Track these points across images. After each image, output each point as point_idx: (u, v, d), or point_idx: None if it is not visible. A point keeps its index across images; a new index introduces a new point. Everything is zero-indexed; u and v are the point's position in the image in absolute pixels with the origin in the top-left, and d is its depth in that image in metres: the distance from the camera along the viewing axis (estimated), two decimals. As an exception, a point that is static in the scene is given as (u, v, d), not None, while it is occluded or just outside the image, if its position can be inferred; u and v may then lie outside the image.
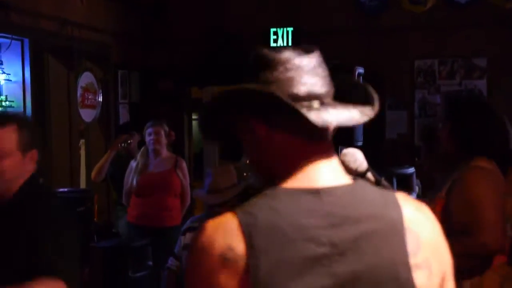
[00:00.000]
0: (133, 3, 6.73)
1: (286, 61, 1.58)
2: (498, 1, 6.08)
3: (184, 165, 6.05)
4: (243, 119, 1.63)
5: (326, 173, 1.60)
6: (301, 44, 1.64)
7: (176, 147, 6.57)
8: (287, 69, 1.58)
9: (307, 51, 1.58)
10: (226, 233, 1.48)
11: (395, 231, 1.59)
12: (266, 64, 1.58)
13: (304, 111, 1.50)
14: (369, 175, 2.68)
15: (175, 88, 7.24)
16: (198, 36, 7.01)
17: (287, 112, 1.53)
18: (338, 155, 2.55)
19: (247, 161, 1.86)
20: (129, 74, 7.01)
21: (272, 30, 6.74)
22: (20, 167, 2.89)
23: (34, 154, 2.90)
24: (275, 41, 6.87)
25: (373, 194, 1.63)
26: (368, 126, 5.37)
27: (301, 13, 6.64)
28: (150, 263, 5.81)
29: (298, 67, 1.59)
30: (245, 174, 4.73)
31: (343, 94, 1.61)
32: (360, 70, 5.58)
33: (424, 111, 6.40)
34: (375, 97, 1.60)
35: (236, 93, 1.60)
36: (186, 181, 5.98)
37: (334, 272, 1.51)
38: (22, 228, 2.90)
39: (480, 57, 6.27)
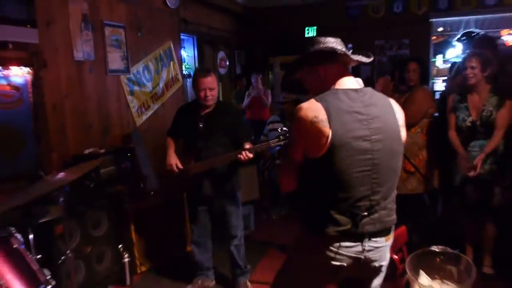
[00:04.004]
0: (240, 16, 6.70)
1: (328, 40, 1.69)
2: (414, 10, 6.05)
3: (268, 91, 6.03)
4: (311, 67, 1.73)
5: (355, 83, 1.70)
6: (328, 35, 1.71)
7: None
8: (328, 43, 1.69)
9: (335, 37, 1.70)
10: (313, 109, 1.58)
11: (391, 110, 1.71)
12: (322, 42, 1.70)
13: (351, 54, 1.66)
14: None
15: (261, 57, 7.18)
16: (270, 30, 6.91)
17: (334, 56, 1.67)
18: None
19: (309, 91, 1.83)
20: (240, 51, 7.06)
21: (306, 27, 6.67)
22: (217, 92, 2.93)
23: None
24: (308, 33, 6.71)
25: (378, 94, 1.72)
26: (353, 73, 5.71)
27: (320, 18, 6.51)
28: (252, 137, 5.97)
29: (333, 42, 1.69)
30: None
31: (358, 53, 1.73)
32: (350, 45, 5.81)
33: (379, 65, 6.31)
34: (369, 56, 1.74)
35: (315, 53, 1.69)
36: (269, 99, 5.95)
37: (369, 127, 1.60)
38: (225, 120, 2.92)
39: (406, 38, 6.21)
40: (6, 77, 2.90)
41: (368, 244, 1.62)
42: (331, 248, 1.60)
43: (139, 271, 3.58)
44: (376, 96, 1.70)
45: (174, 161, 3.01)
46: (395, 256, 1.94)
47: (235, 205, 3.08)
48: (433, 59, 6.87)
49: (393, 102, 1.75)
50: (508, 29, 6.14)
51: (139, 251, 3.59)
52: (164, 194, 3.77)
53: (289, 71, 1.85)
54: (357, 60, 1.72)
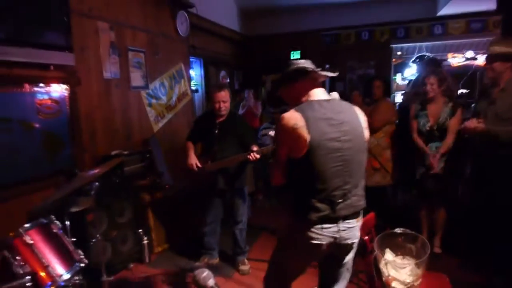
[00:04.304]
0: (239, 42, 6.62)
1: (299, 62, 1.70)
2: (378, 38, 6.03)
3: (258, 103, 5.79)
4: (288, 84, 1.71)
5: (326, 94, 1.69)
6: (302, 58, 1.80)
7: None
8: (300, 64, 1.68)
9: (305, 58, 1.72)
10: (294, 118, 1.57)
11: (356, 115, 1.68)
12: (295, 63, 1.71)
13: (319, 71, 1.65)
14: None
15: (255, 75, 7.00)
16: (262, 53, 6.79)
17: (306, 74, 1.66)
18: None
19: (288, 104, 1.77)
20: (238, 70, 6.94)
21: (292, 52, 6.53)
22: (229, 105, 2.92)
23: None
24: (293, 56, 6.49)
25: (344, 103, 1.71)
26: (330, 88, 5.69)
27: (303, 44, 6.40)
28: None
29: (303, 62, 1.69)
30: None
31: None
32: (327, 66, 5.72)
33: (350, 82, 6.26)
34: (335, 72, 1.75)
35: (290, 72, 1.69)
36: (258, 110, 5.70)
37: (339, 130, 1.59)
38: (236, 128, 2.89)
39: (372, 60, 6.15)
40: (48, 93, 2.89)
41: (342, 225, 1.61)
42: (313, 230, 1.59)
43: (156, 251, 3.55)
44: (343, 104, 1.69)
45: (194, 161, 2.98)
46: (366, 237, 1.93)
47: (242, 198, 3.06)
48: (394, 77, 6.87)
49: (356, 108, 1.74)
50: (451, 53, 6.20)
51: (156, 234, 3.56)
52: (178, 187, 3.73)
53: (272, 90, 1.87)
54: (325, 75, 1.70)
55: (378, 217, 2.18)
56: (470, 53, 5.76)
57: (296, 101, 1.68)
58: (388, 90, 3.61)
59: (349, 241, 1.66)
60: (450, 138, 3.02)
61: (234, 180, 2.96)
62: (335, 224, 1.60)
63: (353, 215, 1.66)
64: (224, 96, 2.86)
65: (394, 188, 3.95)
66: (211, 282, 1.05)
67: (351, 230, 1.65)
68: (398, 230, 2.09)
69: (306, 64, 1.69)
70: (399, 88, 7.10)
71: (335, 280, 1.78)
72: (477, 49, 5.80)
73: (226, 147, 2.88)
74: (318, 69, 1.68)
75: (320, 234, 1.59)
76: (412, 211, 3.51)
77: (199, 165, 2.97)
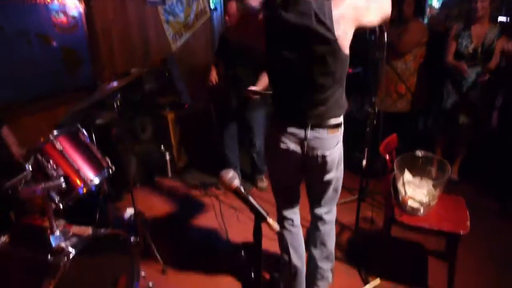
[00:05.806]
0: None
1: None
2: None
3: None
4: None
5: None
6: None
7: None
8: None
9: None
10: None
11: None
12: None
13: None
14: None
15: None
16: None
17: None
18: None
19: None
20: None
21: None
22: None
23: None
24: None
25: None
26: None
27: None
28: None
29: None
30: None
31: None
32: None
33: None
34: None
35: None
36: None
37: None
38: None
39: None
40: (62, 7, 2.81)
41: (310, 134, 1.58)
42: (282, 133, 1.61)
43: (177, 166, 3.69)
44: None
45: (213, 77, 3.04)
46: (387, 157, 1.95)
47: (257, 120, 3.01)
48: (430, 1, 6.27)
49: None
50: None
51: (177, 150, 3.67)
52: (197, 107, 3.73)
53: None
54: None
55: (399, 141, 2.18)
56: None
57: None
58: (420, 9, 3.30)
59: (319, 152, 1.61)
60: (496, 61, 2.83)
61: (247, 101, 2.86)
62: (302, 129, 1.58)
63: (324, 126, 1.59)
64: (233, 8, 2.69)
65: (416, 115, 3.86)
66: (236, 182, 1.10)
67: (320, 141, 1.59)
68: (419, 153, 2.10)
69: None
70: (433, 13, 6.57)
71: (320, 198, 1.78)
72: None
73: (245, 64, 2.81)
74: None
75: (288, 138, 1.60)
76: (432, 139, 3.47)
77: (217, 81, 2.99)
